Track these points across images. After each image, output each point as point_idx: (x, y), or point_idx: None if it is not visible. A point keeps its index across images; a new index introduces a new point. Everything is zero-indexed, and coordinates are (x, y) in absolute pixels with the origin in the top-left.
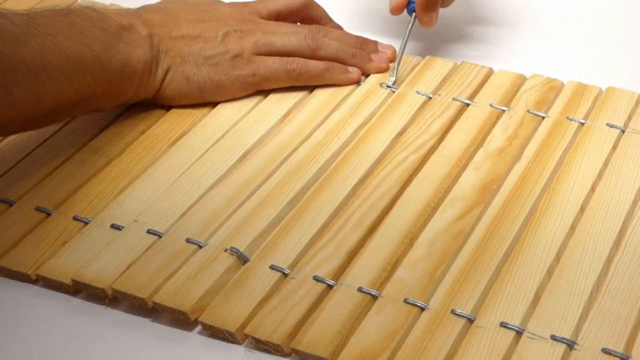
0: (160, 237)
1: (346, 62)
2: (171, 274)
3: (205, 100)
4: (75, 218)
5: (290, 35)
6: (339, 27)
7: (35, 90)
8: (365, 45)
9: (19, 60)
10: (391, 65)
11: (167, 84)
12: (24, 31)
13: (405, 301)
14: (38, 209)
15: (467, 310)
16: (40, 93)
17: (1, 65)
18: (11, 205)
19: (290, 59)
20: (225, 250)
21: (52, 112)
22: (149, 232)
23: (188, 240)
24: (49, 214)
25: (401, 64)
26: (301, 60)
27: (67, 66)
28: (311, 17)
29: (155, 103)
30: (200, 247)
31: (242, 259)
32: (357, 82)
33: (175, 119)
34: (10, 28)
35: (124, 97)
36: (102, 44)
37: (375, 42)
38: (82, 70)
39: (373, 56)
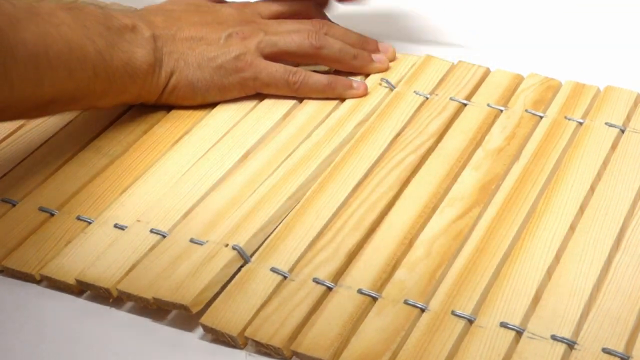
0: (164, 236)
1: (348, 62)
2: (174, 272)
3: (206, 102)
4: (78, 218)
5: (293, 34)
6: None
7: (35, 75)
8: (366, 45)
9: (19, 42)
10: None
11: (171, 90)
12: (27, 15)
13: (405, 302)
14: (41, 209)
15: (467, 311)
16: (40, 79)
17: (0, 45)
18: (14, 205)
19: (294, 69)
20: (226, 245)
21: (51, 102)
22: (152, 231)
23: (192, 241)
24: (52, 214)
25: (399, 62)
26: (304, 72)
27: (69, 56)
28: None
29: (156, 105)
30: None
31: (244, 257)
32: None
33: (177, 118)
34: (12, 10)
35: (125, 96)
36: (105, 40)
37: (376, 42)
38: (84, 62)
39: (374, 56)
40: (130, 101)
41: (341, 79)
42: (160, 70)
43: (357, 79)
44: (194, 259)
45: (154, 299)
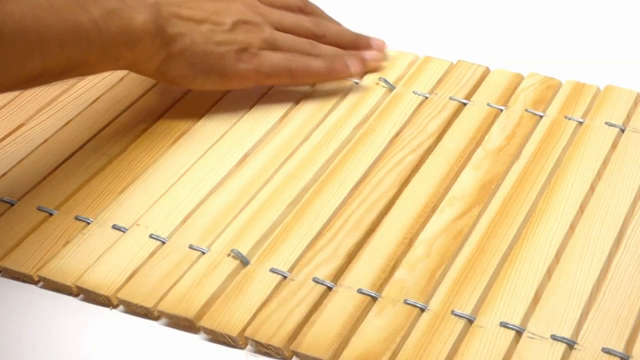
0: (163, 242)
1: (340, 74)
2: (176, 282)
3: (205, 88)
4: (77, 218)
5: (297, 41)
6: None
7: (24, 50)
8: (359, 42)
9: (6, 15)
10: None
11: (170, 66)
12: None
13: (405, 302)
14: (40, 209)
15: (467, 311)
16: (29, 54)
17: None
18: (12, 205)
19: (294, 58)
20: (228, 255)
21: (41, 74)
22: (151, 237)
23: (191, 247)
24: (50, 214)
25: (398, 61)
26: (304, 60)
27: (60, 28)
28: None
29: (153, 79)
30: (204, 254)
31: (244, 262)
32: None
33: (175, 117)
34: None
35: (120, 63)
36: (101, 7)
37: (368, 38)
38: (77, 34)
39: (366, 54)
40: (126, 68)
41: (337, 62)
42: (160, 40)
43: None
44: (196, 269)
45: (158, 311)
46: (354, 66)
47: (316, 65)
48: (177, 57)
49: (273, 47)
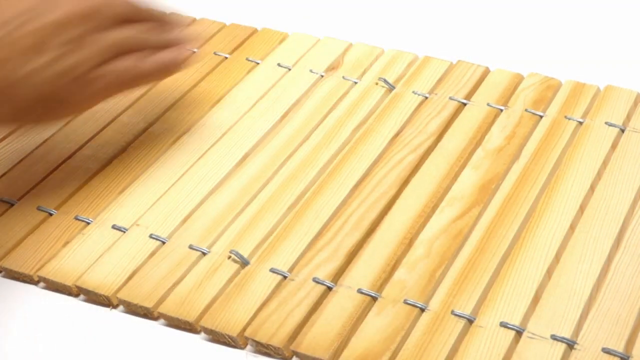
0: (163, 242)
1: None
2: (176, 282)
3: (57, 121)
4: (76, 218)
5: (134, 37)
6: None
7: None
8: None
9: None
10: None
11: (14, 117)
12: None
13: (405, 302)
14: (39, 209)
15: (467, 311)
16: None
17: None
18: (12, 205)
19: (139, 60)
20: (229, 257)
21: None
22: (151, 237)
23: (191, 247)
24: (50, 214)
25: (398, 62)
26: (152, 60)
27: None
28: None
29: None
30: (204, 254)
31: (244, 263)
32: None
33: (175, 117)
34: None
35: None
36: None
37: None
38: None
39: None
40: None
41: (181, 49)
42: None
43: None
44: (197, 271)
45: (159, 313)
46: (183, 55)
47: (167, 59)
48: (18, 109)
49: (117, 53)
